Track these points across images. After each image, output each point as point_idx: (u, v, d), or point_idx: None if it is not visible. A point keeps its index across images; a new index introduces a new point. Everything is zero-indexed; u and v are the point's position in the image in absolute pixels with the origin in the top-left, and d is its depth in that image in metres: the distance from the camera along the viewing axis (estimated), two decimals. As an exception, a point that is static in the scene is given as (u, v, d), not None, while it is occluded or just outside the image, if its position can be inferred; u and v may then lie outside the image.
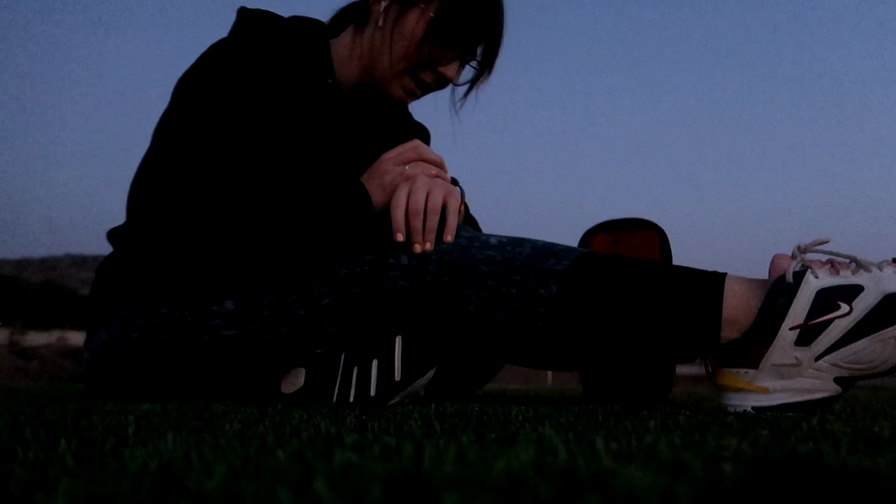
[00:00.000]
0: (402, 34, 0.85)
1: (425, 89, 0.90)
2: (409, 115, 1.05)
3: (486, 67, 0.91)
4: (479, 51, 0.90)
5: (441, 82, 0.90)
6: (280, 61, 0.86)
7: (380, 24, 0.87)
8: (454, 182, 0.84)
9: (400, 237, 0.75)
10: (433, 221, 0.75)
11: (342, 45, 0.91)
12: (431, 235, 0.75)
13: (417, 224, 0.75)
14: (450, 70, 0.88)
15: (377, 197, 0.79)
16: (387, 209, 0.79)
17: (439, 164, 0.82)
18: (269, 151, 0.82)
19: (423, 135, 1.05)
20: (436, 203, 0.75)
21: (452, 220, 0.76)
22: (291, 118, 0.85)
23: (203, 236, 0.76)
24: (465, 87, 0.93)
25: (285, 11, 0.94)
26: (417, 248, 0.75)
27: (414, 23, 0.85)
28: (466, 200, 0.88)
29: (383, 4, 0.87)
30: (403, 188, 0.77)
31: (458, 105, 0.94)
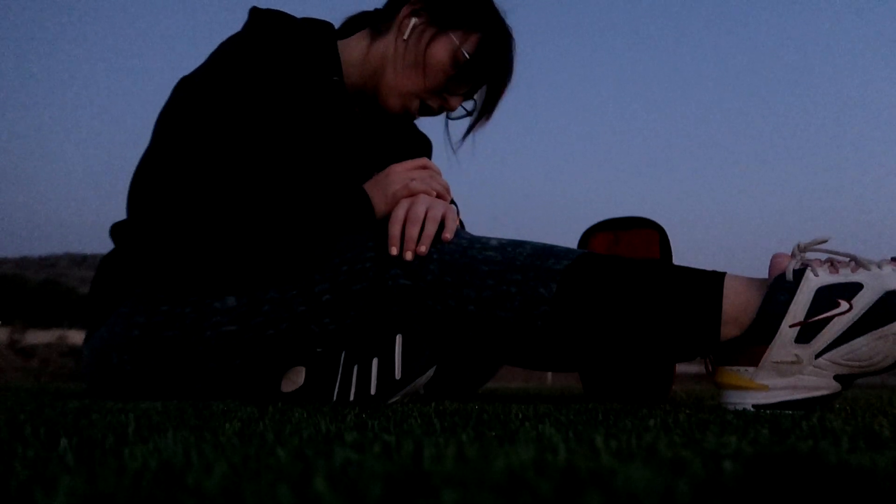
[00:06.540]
0: (429, 59, 0.86)
1: (425, 112, 0.91)
2: (413, 125, 1.05)
3: (486, 112, 0.93)
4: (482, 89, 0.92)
5: (441, 110, 0.91)
6: (288, 59, 0.86)
7: (405, 37, 0.87)
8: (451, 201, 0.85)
9: (394, 250, 0.75)
10: (431, 229, 0.76)
11: (352, 47, 0.91)
12: (428, 241, 0.75)
13: (413, 232, 0.75)
14: (454, 101, 0.89)
15: (380, 205, 0.80)
16: (387, 218, 0.79)
17: (445, 190, 0.83)
18: (273, 148, 0.82)
19: (426, 146, 1.05)
20: (435, 213, 0.76)
21: (451, 224, 0.77)
22: (296, 115, 0.85)
23: (204, 233, 0.76)
24: (460, 123, 0.95)
25: (297, 13, 0.94)
26: (409, 255, 0.75)
27: (443, 51, 0.86)
28: (461, 217, 0.89)
29: (414, 21, 0.87)
30: (403, 205, 0.78)
31: (456, 146, 0.96)
